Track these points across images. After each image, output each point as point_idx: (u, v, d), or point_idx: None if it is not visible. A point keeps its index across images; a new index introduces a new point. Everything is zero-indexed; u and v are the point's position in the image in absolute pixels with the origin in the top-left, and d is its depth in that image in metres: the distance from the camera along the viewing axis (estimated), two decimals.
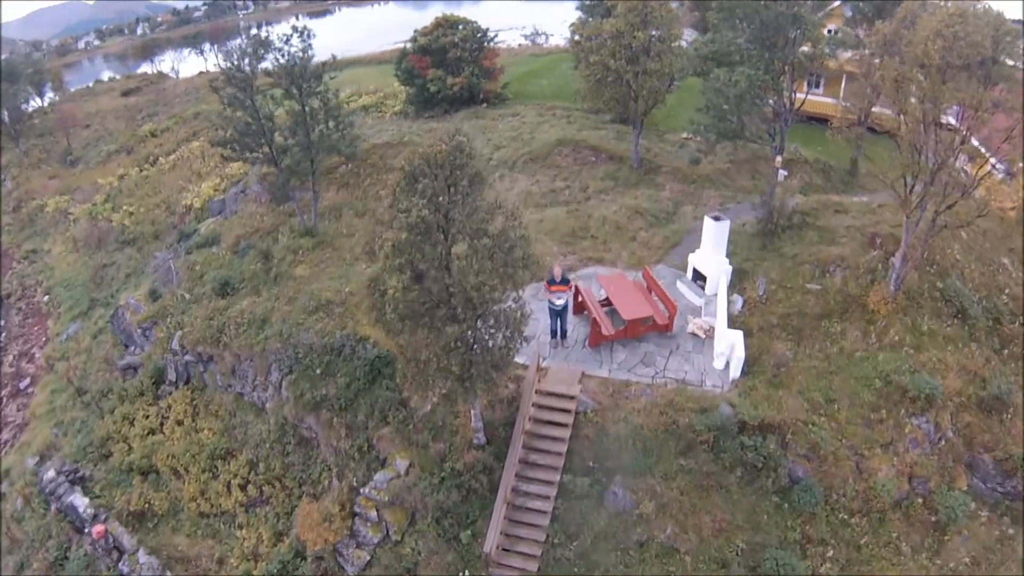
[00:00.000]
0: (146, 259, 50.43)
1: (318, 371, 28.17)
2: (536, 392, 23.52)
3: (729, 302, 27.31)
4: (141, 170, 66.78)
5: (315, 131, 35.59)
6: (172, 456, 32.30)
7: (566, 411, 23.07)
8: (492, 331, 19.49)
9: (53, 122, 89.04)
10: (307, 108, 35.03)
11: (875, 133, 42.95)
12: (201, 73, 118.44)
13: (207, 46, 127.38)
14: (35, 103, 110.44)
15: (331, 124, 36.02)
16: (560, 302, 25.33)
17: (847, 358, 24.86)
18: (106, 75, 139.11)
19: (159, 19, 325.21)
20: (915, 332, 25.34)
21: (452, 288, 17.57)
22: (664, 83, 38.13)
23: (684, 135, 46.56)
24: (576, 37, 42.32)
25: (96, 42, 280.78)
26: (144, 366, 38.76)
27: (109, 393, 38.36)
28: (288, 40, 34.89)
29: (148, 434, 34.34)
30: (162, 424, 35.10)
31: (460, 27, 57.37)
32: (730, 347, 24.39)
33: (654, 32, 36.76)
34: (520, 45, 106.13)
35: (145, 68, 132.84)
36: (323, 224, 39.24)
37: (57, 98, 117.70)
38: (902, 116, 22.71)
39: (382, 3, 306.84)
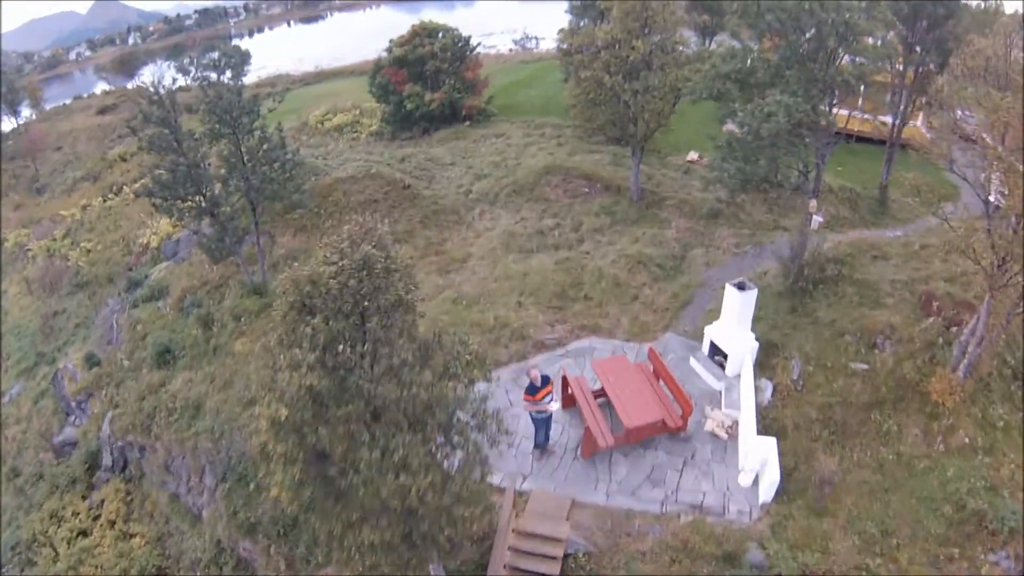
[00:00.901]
0: (97, 307, 46.28)
1: (251, 486, 23.07)
2: (513, 532, 18.28)
3: (756, 389, 22.02)
4: (105, 200, 62.01)
5: (256, 175, 30.25)
6: (99, 568, 27.69)
7: (552, 558, 17.83)
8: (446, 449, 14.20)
9: (23, 145, 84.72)
10: (243, 149, 29.63)
11: (904, 149, 38.24)
12: (180, 88, 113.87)
13: (187, 59, 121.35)
14: (9, 123, 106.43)
15: (275, 166, 30.57)
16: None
17: (906, 468, 19.55)
18: (100, 88, 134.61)
19: (151, 28, 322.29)
20: (987, 428, 20.02)
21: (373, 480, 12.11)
22: (669, 102, 32.72)
23: (689, 157, 41.17)
24: (565, 46, 36.92)
25: (87, 52, 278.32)
26: (80, 445, 34.33)
27: (40, 479, 33.96)
28: (219, 65, 29.55)
29: (77, 536, 30.15)
30: (95, 520, 30.62)
31: (440, 35, 51.64)
32: (761, 462, 19.13)
33: (656, 38, 31.48)
34: (511, 50, 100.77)
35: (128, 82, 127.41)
36: (276, 277, 34.04)
37: (33, 116, 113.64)
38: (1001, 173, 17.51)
39: (375, 6, 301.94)
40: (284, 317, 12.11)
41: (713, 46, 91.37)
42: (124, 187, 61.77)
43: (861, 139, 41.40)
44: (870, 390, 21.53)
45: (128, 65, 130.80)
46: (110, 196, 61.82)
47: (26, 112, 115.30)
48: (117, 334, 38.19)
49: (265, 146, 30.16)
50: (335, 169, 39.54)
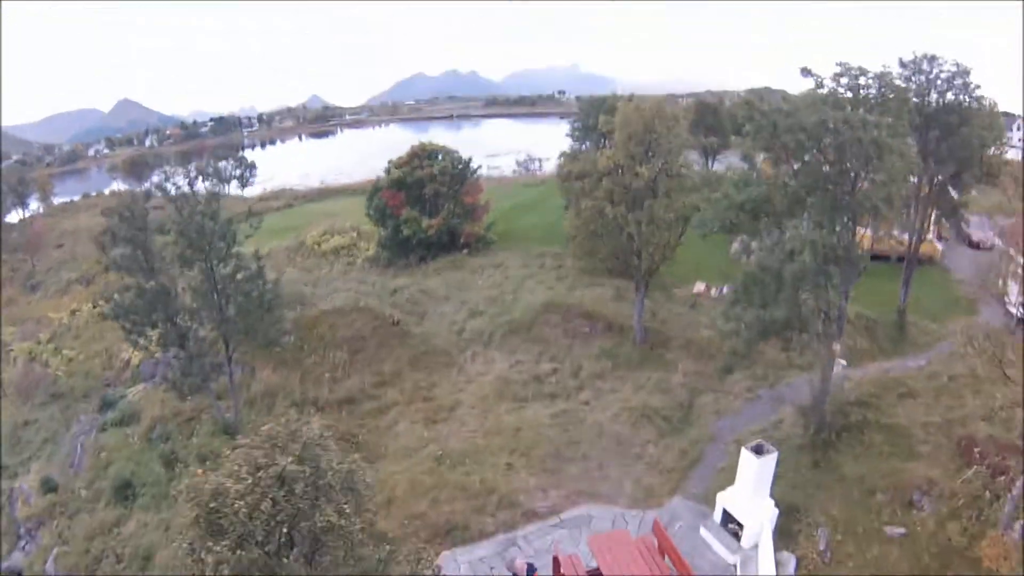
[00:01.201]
0: (68, 422, 43.75)
1: None
2: None
3: (776, 564, 19.40)
4: (94, 306, 60.15)
5: (230, 306, 28.29)
6: None
7: None
8: None
9: (25, 239, 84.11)
10: (216, 277, 27.80)
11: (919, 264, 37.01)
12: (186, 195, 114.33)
13: (191, 166, 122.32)
14: (16, 214, 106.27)
15: (253, 296, 28.62)
16: None
17: None
18: (110, 188, 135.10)
19: (167, 132, 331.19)
20: None
21: None
22: (675, 232, 31.39)
23: (696, 289, 39.46)
24: (565, 172, 35.38)
25: (106, 150, 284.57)
26: None
27: None
28: (192, 181, 28.15)
29: None
30: None
31: (439, 157, 51.08)
32: None
33: (660, 161, 30.29)
34: (515, 171, 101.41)
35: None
36: (251, 415, 31.73)
37: (41, 210, 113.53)
38: None
39: (383, 125, 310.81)
40: (187, 531, 9.71)
41: (717, 166, 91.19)
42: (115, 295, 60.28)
43: (875, 257, 39.63)
44: (910, 559, 18.85)
45: (138, 167, 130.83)
46: (100, 303, 60.20)
47: (34, 205, 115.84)
48: (80, 458, 35.70)
49: (240, 275, 28.30)
50: (323, 299, 37.89)
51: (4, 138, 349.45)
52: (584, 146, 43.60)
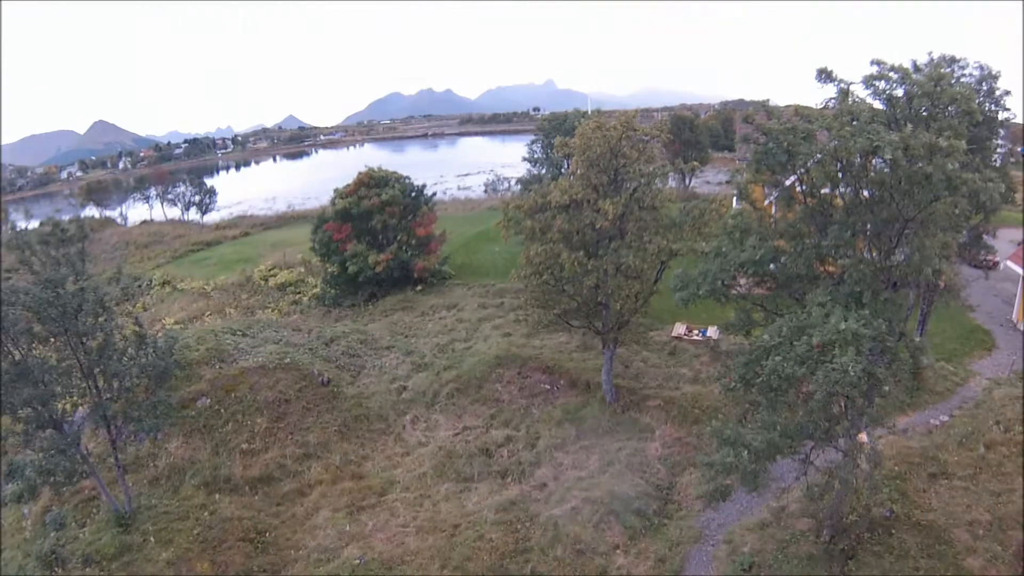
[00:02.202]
0: None
1: None
2: None
3: None
4: None
5: (106, 385, 23.06)
6: None
7: None
8: None
9: None
10: (81, 359, 22.57)
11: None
12: (144, 223, 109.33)
13: (152, 192, 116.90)
14: None
15: (133, 372, 23.37)
16: None
17: None
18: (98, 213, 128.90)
19: (141, 154, 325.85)
20: None
21: None
22: (649, 280, 26.37)
23: (675, 331, 34.53)
24: (510, 210, 28.28)
25: (79, 173, 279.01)
26: None
27: None
28: (49, 242, 23.31)
29: None
30: None
31: (391, 184, 46.05)
32: None
33: (632, 186, 25.18)
34: (486, 191, 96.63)
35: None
36: (153, 499, 26.40)
37: None
38: None
39: (358, 146, 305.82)
40: None
41: (695, 183, 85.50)
42: None
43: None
44: None
45: (97, 193, 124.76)
46: None
47: None
48: None
49: (116, 352, 23.05)
50: (248, 353, 32.43)
51: None
52: (544, 172, 38.40)
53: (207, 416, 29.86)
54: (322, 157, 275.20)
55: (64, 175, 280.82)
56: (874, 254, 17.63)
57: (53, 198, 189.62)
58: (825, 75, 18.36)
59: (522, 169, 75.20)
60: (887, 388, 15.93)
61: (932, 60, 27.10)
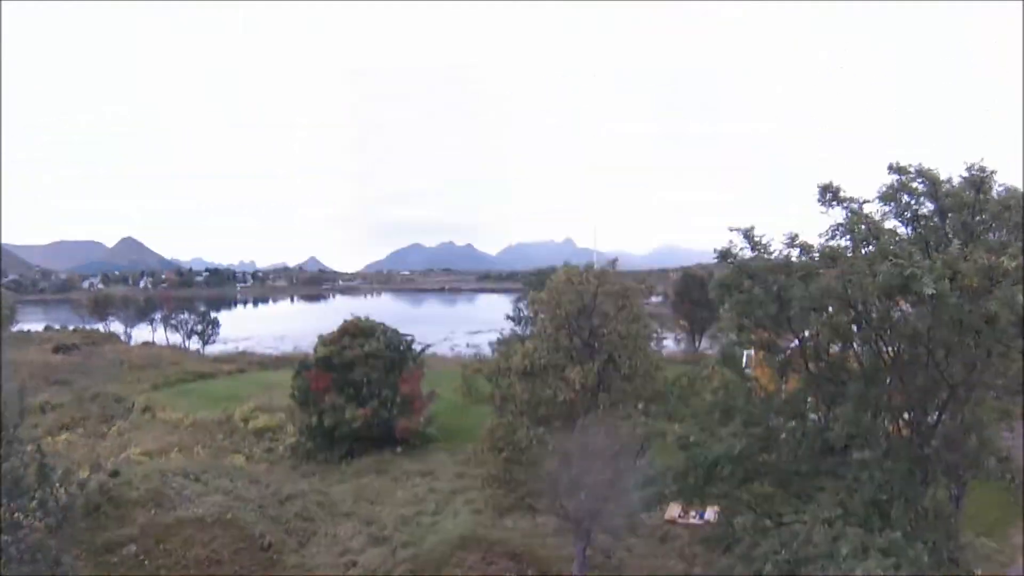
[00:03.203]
0: None
1: None
2: None
3: None
4: None
5: None
6: None
7: None
8: None
9: None
10: None
11: None
12: (146, 344, 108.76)
13: (157, 315, 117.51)
14: None
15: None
16: None
17: None
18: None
19: (163, 276, 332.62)
20: None
21: None
22: (630, 458, 23.60)
23: (669, 515, 30.88)
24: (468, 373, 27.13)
25: (100, 285, 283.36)
26: None
27: None
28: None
29: None
30: None
31: (376, 336, 44.43)
32: None
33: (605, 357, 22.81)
34: (495, 349, 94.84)
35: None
36: None
37: None
38: None
39: (376, 294, 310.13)
40: None
41: (703, 344, 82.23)
42: None
43: None
44: None
45: (101, 307, 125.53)
46: None
47: None
48: None
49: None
50: (191, 502, 29.64)
51: (3, 257, 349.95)
52: (528, 332, 36.79)
53: (130, 565, 26.84)
54: (339, 302, 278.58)
55: (86, 284, 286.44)
56: (905, 435, 13.49)
57: (74, 304, 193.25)
58: (830, 194, 14.77)
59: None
60: None
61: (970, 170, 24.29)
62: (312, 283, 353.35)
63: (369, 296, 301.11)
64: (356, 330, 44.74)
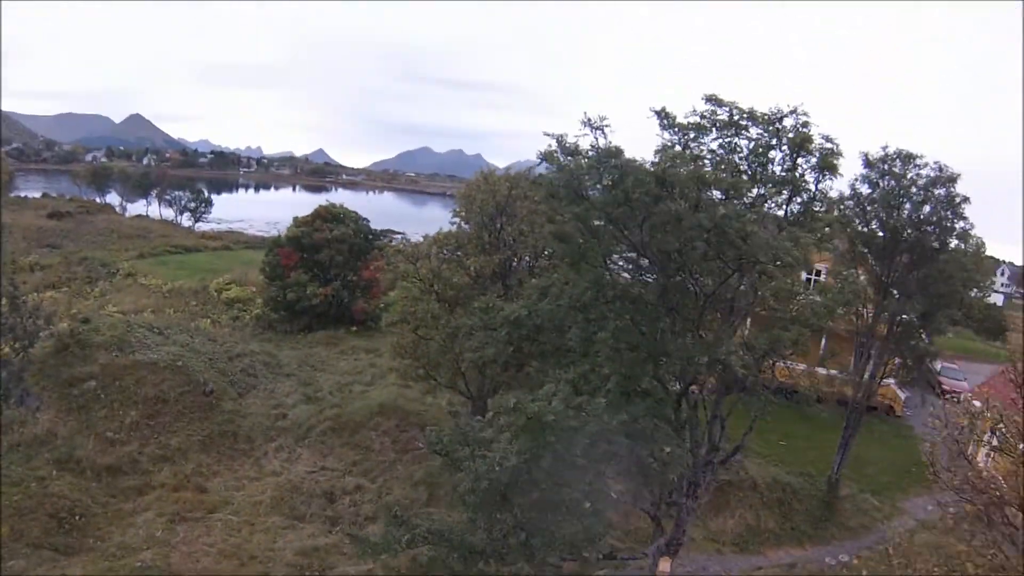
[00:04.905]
0: None
1: None
2: None
3: None
4: None
5: None
6: None
7: None
8: None
9: None
10: None
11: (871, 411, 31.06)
12: (139, 216, 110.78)
13: (154, 190, 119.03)
14: None
15: None
16: None
17: None
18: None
19: (167, 154, 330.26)
20: None
21: None
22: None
23: None
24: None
25: (103, 159, 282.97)
26: None
27: None
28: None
29: None
30: None
31: (346, 223, 46.97)
32: None
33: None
34: None
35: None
36: (2, 463, 26.15)
37: None
38: None
39: (378, 192, 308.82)
40: None
41: None
42: None
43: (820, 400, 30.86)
44: None
45: (100, 179, 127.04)
46: None
47: None
48: None
49: None
50: (149, 349, 32.53)
51: (9, 125, 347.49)
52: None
53: (88, 398, 30.04)
54: (340, 195, 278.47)
55: (89, 157, 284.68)
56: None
57: (74, 176, 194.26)
58: (665, 119, 16.41)
59: None
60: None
61: (886, 154, 26.00)
62: (316, 174, 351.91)
63: (372, 192, 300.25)
64: (328, 215, 47.28)
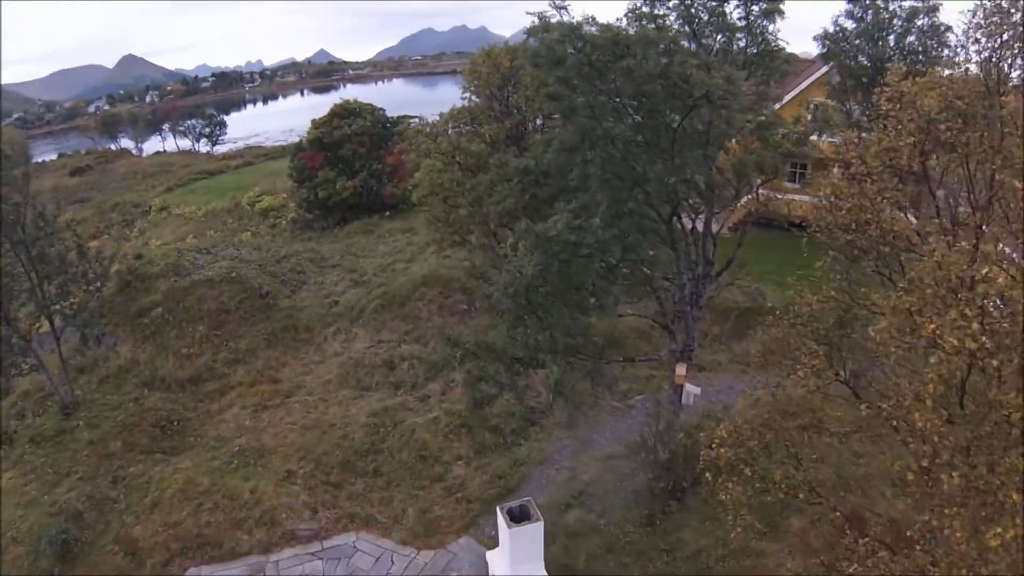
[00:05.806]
0: None
1: None
2: None
3: None
4: None
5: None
6: None
7: None
8: None
9: None
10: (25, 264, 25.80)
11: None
12: (157, 154, 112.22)
13: (164, 126, 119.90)
14: None
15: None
16: None
17: None
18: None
19: (168, 88, 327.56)
20: None
21: None
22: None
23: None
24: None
25: (106, 107, 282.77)
26: None
27: None
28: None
29: None
30: None
31: (363, 116, 47.94)
32: None
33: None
34: None
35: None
36: (100, 394, 29.01)
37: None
38: None
39: (386, 81, 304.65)
40: None
41: None
42: None
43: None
44: None
45: (111, 127, 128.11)
46: None
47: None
48: None
49: (56, 261, 26.34)
50: (203, 269, 34.72)
51: (6, 96, 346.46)
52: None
53: (157, 324, 32.43)
54: (350, 91, 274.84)
55: (92, 109, 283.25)
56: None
57: (82, 131, 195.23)
58: None
59: None
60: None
61: None
62: (322, 75, 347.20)
63: (380, 83, 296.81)
64: (344, 112, 48.34)
